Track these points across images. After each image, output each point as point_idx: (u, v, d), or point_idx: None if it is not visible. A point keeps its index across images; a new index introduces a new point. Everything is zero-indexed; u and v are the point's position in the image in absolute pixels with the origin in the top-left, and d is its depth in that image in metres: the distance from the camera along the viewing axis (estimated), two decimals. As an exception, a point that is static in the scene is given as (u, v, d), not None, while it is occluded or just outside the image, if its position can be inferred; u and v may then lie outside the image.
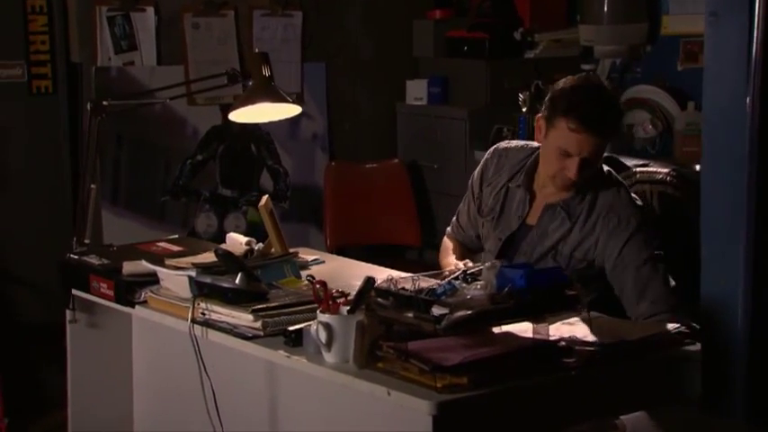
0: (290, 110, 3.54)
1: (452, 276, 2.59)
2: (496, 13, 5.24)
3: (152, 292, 3.04)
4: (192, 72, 4.92)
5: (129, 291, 3.05)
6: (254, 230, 4.95)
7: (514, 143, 3.32)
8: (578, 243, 3.04)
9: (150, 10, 4.90)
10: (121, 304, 3.07)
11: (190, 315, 2.85)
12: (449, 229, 3.45)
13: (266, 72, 3.44)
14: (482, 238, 3.29)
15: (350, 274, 3.17)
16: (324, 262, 3.49)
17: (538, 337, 2.50)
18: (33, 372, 4.70)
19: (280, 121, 5.14)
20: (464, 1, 5.52)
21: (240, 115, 3.49)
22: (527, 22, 5.26)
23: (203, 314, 2.86)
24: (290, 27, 5.16)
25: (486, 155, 3.30)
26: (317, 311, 2.60)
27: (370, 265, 3.48)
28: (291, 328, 2.70)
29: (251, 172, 5.16)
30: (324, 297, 2.59)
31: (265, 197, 3.39)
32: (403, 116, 5.44)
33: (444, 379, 2.38)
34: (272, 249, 3.28)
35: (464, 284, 2.53)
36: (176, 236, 3.64)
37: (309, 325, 2.66)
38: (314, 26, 5.21)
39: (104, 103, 3.32)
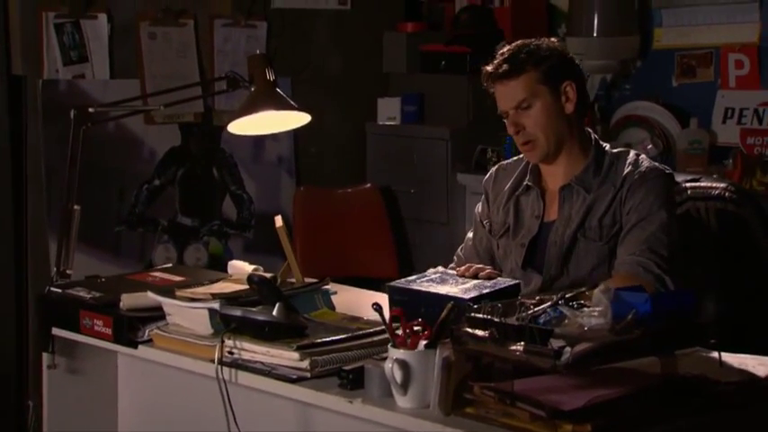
0: (298, 119, 3.09)
1: (551, 303, 2.16)
2: (476, 25, 4.88)
3: (159, 329, 2.55)
4: (148, 86, 4.44)
5: (131, 328, 2.56)
6: (215, 264, 4.48)
7: (510, 159, 3.04)
8: (606, 209, 2.76)
9: (102, 17, 4.41)
10: (122, 344, 2.59)
11: (217, 355, 2.37)
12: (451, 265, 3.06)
13: (270, 76, 2.99)
14: (499, 261, 2.94)
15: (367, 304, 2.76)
16: (336, 292, 3.04)
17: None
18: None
19: (243, 143, 4.75)
20: (437, 13, 5.14)
21: (240, 126, 3.02)
22: (508, 35, 4.90)
23: (231, 353, 2.40)
24: (253, 39, 4.72)
25: (485, 177, 3.04)
26: (389, 347, 2.16)
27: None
28: (348, 368, 2.25)
29: (213, 198, 4.70)
30: (402, 329, 2.14)
31: (279, 217, 2.93)
32: (374, 137, 5.03)
33: (564, 427, 1.95)
34: (293, 277, 2.82)
35: (574, 312, 2.10)
36: (170, 265, 3.15)
37: (374, 363, 2.22)
38: (279, 38, 4.78)
39: (90, 110, 2.84)
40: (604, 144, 2.88)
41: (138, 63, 4.49)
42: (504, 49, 2.81)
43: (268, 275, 2.82)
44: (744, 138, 4.47)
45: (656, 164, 2.83)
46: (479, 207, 3.03)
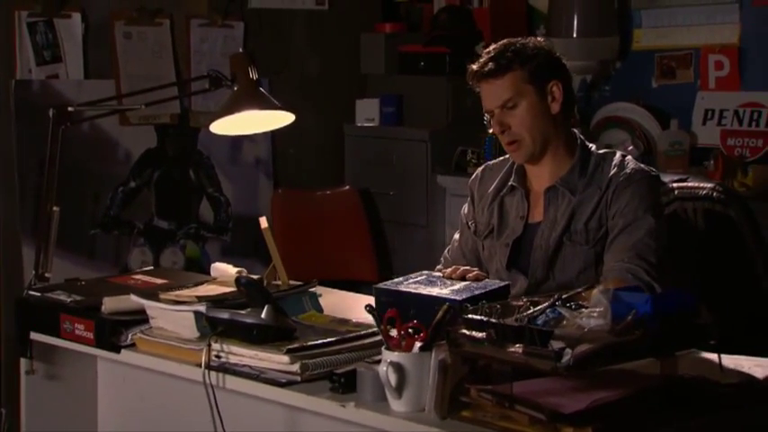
0: (281, 119, 3.03)
1: (548, 304, 2.12)
2: (455, 26, 4.83)
3: (142, 332, 2.49)
4: (123, 87, 4.36)
5: (114, 332, 2.49)
6: (192, 267, 4.41)
7: (496, 159, 2.99)
8: (591, 212, 2.71)
9: (77, 16, 4.33)
10: (104, 348, 2.51)
11: (204, 359, 2.31)
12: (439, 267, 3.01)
13: (253, 75, 2.94)
14: (484, 262, 2.89)
15: (357, 306, 2.66)
16: (321, 295, 2.98)
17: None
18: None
19: (220, 145, 4.68)
20: (415, 14, 5.09)
21: (222, 126, 2.95)
22: (487, 36, 4.86)
23: (218, 357, 2.33)
24: (230, 39, 4.65)
25: (472, 177, 3.00)
26: (383, 349, 2.10)
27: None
28: (340, 371, 2.19)
29: (189, 201, 4.62)
30: (397, 331, 2.09)
31: (264, 218, 2.87)
32: (352, 138, 4.97)
33: (564, 430, 1.91)
34: (278, 279, 2.76)
35: (573, 312, 2.06)
36: (150, 267, 3.08)
37: (367, 366, 2.16)
38: (256, 39, 4.71)
39: (69, 109, 2.76)
40: (590, 145, 2.84)
41: (112, 63, 4.42)
42: (490, 48, 2.77)
43: (254, 277, 2.78)
44: (724, 139, 4.46)
45: (642, 165, 2.78)
46: (465, 208, 2.98)
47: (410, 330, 2.09)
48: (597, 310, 2.04)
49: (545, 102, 2.73)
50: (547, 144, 2.74)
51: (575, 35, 4.60)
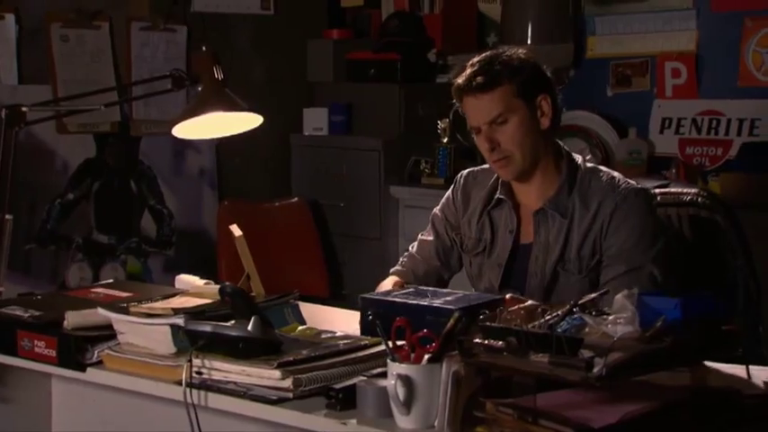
0: (249, 121, 2.86)
1: (565, 311, 1.97)
2: (405, 32, 4.69)
3: (110, 349, 2.28)
4: (60, 93, 4.13)
5: (79, 349, 2.28)
6: (134, 284, 4.19)
7: (479, 167, 2.84)
8: (583, 238, 2.60)
9: (10, 18, 4.10)
10: (68, 367, 2.29)
11: (184, 376, 2.11)
12: (402, 260, 2.87)
13: (218, 75, 2.75)
14: (471, 278, 2.78)
15: (334, 319, 2.59)
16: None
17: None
18: None
19: (162, 155, 4.46)
20: (363, 20, 4.94)
21: (186, 130, 2.76)
22: (438, 43, 4.73)
23: (199, 373, 2.14)
24: (173, 44, 4.45)
25: (452, 186, 2.85)
26: (389, 362, 1.93)
27: (348, 311, 2.82)
28: (338, 386, 2.02)
29: (130, 214, 4.40)
30: (407, 341, 1.92)
31: (235, 226, 2.68)
32: (300, 148, 4.79)
33: (595, 446, 1.76)
34: (252, 290, 2.57)
35: (596, 319, 1.91)
36: (111, 280, 2.86)
37: (367, 380, 1.99)
38: (200, 44, 4.49)
39: (23, 109, 2.54)
40: (576, 157, 2.72)
41: (49, 68, 4.19)
42: (474, 60, 2.61)
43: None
44: (683, 148, 4.38)
45: (632, 183, 2.66)
46: (442, 210, 2.83)
47: (420, 341, 1.93)
48: (623, 315, 1.90)
49: (535, 117, 2.60)
50: (537, 160, 2.62)
51: (529, 42, 4.49)
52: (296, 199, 4.68)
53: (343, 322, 2.51)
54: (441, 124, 4.48)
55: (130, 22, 4.38)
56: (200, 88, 2.76)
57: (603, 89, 4.60)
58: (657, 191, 3.03)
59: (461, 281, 2.85)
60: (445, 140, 4.49)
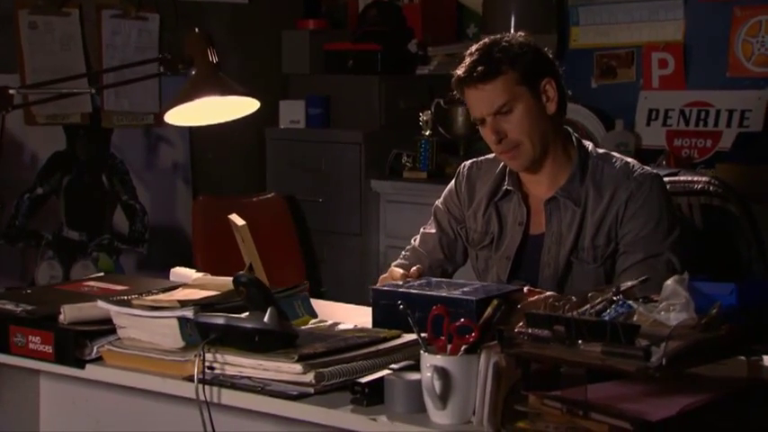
0: (245, 106, 2.72)
1: (606, 297, 1.85)
2: (384, 22, 4.55)
3: (111, 344, 2.12)
4: (29, 81, 3.94)
5: (77, 345, 2.12)
6: (105, 282, 4.01)
7: (482, 157, 2.73)
8: (597, 227, 2.50)
9: (-24, 5, 3.90)
10: (66, 364, 2.14)
11: (196, 371, 1.96)
12: (398, 260, 2.74)
13: (212, 58, 2.62)
14: (478, 274, 2.67)
15: (341, 312, 2.50)
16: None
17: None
18: None
19: (135, 148, 4.29)
20: (339, 10, 4.80)
21: (179, 115, 2.62)
22: (418, 33, 4.61)
23: (211, 368, 2.00)
24: (145, 33, 4.28)
25: (454, 178, 2.74)
26: (423, 353, 1.80)
27: (346, 305, 2.71)
28: (363, 380, 1.88)
29: (102, 209, 4.22)
30: (444, 331, 1.79)
31: (235, 215, 2.54)
32: (275, 142, 4.63)
33: (654, 441, 1.64)
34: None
35: (645, 305, 1.79)
36: (101, 273, 2.70)
37: (395, 374, 1.86)
38: (173, 33, 4.34)
39: (10, 91, 2.38)
40: (587, 143, 2.61)
41: (17, 56, 4.00)
42: (472, 50, 2.52)
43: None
44: (670, 139, 4.30)
45: (646, 168, 2.57)
46: (445, 203, 2.72)
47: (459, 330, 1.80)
48: (677, 302, 1.78)
49: (540, 102, 2.49)
50: (547, 147, 2.52)
51: (511, 32, 4.37)
52: (272, 194, 4.53)
53: (343, 316, 2.39)
54: (422, 116, 4.36)
55: (101, 9, 4.20)
56: (193, 72, 2.62)
57: (587, 81, 4.51)
58: (667, 179, 2.93)
59: (462, 275, 2.74)
60: (427, 133, 4.36)
